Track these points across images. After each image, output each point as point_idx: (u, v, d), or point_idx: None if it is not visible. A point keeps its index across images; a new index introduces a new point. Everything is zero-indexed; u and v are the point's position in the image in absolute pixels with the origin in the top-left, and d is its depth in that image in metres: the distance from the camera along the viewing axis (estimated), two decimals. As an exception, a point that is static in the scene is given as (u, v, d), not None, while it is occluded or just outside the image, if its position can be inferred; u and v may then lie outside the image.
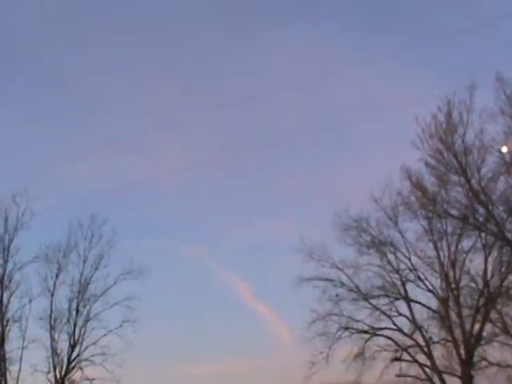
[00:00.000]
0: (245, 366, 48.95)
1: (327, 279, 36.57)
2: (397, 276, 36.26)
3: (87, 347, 38.36)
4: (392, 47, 55.55)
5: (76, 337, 38.31)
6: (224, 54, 57.66)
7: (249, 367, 48.75)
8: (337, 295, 36.66)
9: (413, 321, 35.69)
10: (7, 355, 38.31)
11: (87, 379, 38.24)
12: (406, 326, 36.00)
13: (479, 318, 34.00)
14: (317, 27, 55.36)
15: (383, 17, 57.01)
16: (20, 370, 37.98)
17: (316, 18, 57.04)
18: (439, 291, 35.60)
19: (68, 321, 38.49)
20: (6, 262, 38.70)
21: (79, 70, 57.90)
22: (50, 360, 38.26)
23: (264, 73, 56.82)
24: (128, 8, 57.60)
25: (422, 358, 35.24)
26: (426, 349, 35.03)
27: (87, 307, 38.67)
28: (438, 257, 35.36)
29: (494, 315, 34.04)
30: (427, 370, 35.00)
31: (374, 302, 36.44)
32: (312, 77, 56.02)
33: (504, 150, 31.56)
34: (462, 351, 33.90)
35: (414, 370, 35.50)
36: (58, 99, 58.08)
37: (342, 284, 36.62)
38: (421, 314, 35.93)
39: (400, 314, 36.20)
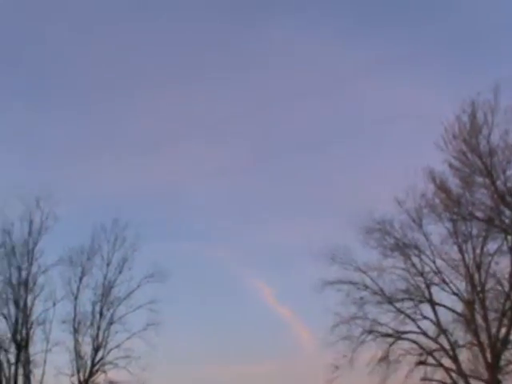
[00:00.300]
0: (268, 369, 49.00)
1: (351, 282, 36.32)
2: (421, 279, 35.87)
3: (111, 350, 38.50)
4: (415, 48, 55.49)
5: (100, 340, 38.42)
6: (243, 57, 57.88)
7: (272, 370, 48.78)
8: (361, 298, 36.37)
9: (437, 324, 35.28)
10: (31, 358, 38.41)
11: (111, 382, 38.31)
12: (431, 329, 35.60)
13: (505, 321, 33.51)
14: (339, 26, 55.42)
15: (407, 17, 56.85)
16: (44, 372, 38.16)
17: (339, 16, 57.22)
18: (464, 294, 35.15)
19: (92, 324, 38.64)
20: (30, 265, 38.87)
21: (104, 74, 58.35)
22: (74, 363, 38.40)
23: (285, 75, 57.05)
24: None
25: (447, 361, 34.80)
26: (451, 352, 34.58)
27: (111, 310, 38.83)
28: (463, 259, 34.91)
29: (520, 318, 33.58)
30: (453, 374, 34.53)
31: (398, 305, 36.05)
32: (335, 78, 56.25)
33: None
34: (488, 355, 33.39)
35: (440, 374, 35.11)
36: (81, 102, 58.57)
37: (366, 287, 36.32)
38: (446, 317, 35.55)
39: (425, 318, 35.74)
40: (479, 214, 33.39)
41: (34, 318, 38.79)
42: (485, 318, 34.04)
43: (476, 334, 34.12)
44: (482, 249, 34.56)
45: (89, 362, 38.29)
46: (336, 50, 56.06)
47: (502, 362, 33.56)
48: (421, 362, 35.24)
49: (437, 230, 35.42)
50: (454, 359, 34.49)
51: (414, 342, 35.61)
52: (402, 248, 36.05)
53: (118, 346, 38.37)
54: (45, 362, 38.15)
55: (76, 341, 38.57)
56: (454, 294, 35.30)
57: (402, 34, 57.26)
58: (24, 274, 38.77)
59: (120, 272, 39.14)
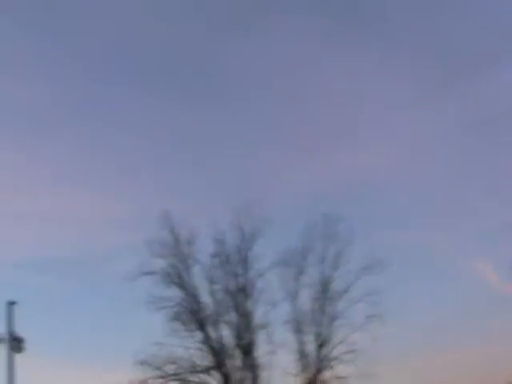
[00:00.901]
0: (495, 352, 47.57)
1: None
2: None
3: (335, 346, 38.53)
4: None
5: (323, 337, 38.60)
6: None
7: (499, 352, 47.25)
8: None
9: None
10: (257, 361, 38.97)
11: (338, 378, 38.31)
12: None
13: None
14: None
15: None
16: (271, 375, 38.63)
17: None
18: None
19: (313, 322, 38.89)
20: (245, 270, 39.59)
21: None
22: (299, 362, 38.70)
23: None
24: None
25: None
26: None
27: (331, 306, 38.92)
28: None
29: None
30: None
31: None
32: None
33: None
34: None
35: None
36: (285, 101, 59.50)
37: None
38: None
39: None
40: None
41: (255, 322, 39.34)
42: None
43: None
44: None
45: (314, 360, 38.54)
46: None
47: None
48: None
49: None
50: None
51: None
52: None
53: (341, 342, 38.42)
54: (270, 364, 38.63)
55: (299, 340, 38.94)
56: None
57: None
58: (241, 280, 39.50)
59: (336, 267, 39.19)
